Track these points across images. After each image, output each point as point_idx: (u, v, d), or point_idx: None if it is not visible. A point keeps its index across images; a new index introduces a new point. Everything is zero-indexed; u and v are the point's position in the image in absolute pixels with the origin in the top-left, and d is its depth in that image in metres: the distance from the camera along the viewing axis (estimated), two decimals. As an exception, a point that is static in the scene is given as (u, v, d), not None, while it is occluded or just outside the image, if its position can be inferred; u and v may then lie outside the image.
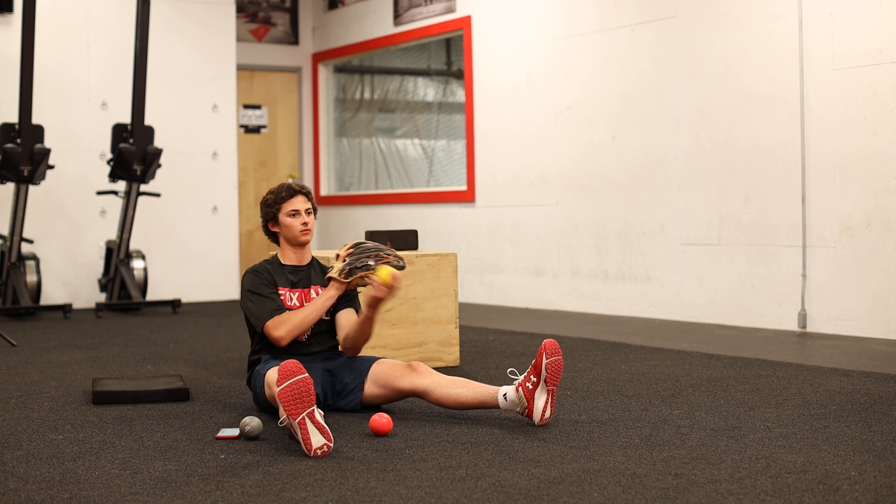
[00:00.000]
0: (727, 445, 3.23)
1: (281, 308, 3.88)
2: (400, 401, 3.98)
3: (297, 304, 3.97)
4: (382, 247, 3.92)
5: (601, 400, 4.06)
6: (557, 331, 6.42)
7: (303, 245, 4.03)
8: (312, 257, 4.12)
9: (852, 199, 5.90)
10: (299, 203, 3.98)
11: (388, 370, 3.83)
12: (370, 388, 3.85)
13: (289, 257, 4.05)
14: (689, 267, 6.85)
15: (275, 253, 4.15)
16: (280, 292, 3.97)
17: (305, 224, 3.98)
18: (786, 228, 6.24)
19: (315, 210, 4.06)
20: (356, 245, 3.90)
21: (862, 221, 5.86)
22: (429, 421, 3.70)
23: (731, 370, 4.75)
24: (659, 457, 3.09)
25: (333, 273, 3.86)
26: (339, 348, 4.05)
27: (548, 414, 3.57)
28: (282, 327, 3.82)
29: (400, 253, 4.55)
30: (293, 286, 4.00)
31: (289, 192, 3.99)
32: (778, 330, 6.23)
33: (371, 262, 3.82)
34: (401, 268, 3.86)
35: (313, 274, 4.06)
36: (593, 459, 3.08)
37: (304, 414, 3.18)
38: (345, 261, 3.86)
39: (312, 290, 4.01)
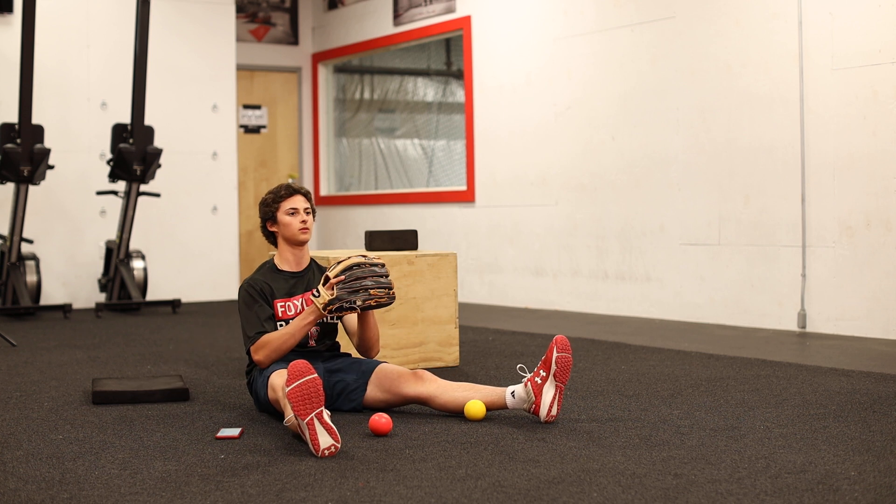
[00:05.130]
0: (727, 445, 3.23)
1: (264, 328, 3.79)
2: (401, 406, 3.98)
3: (302, 311, 3.89)
4: (377, 270, 3.70)
5: (601, 400, 4.06)
6: (557, 331, 6.42)
7: (301, 244, 3.97)
8: (311, 259, 4.08)
9: (852, 199, 5.90)
10: (298, 202, 3.95)
11: (393, 375, 3.79)
12: (373, 391, 3.82)
13: (286, 260, 3.99)
14: (688, 267, 6.85)
15: (272, 255, 4.11)
16: (279, 305, 3.90)
17: (304, 222, 3.94)
18: (786, 228, 6.24)
19: (314, 212, 4.03)
20: (348, 269, 3.68)
21: (862, 221, 5.86)
22: (429, 421, 3.70)
23: (731, 370, 4.75)
24: (659, 457, 3.09)
25: (318, 301, 3.68)
26: (355, 354, 4.01)
27: (554, 411, 3.57)
28: (261, 351, 3.75)
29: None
30: (290, 294, 3.93)
31: (288, 190, 3.97)
32: (778, 330, 6.23)
33: (358, 303, 3.65)
34: (387, 303, 3.71)
35: (312, 278, 4.00)
36: (593, 459, 3.08)
37: (313, 414, 3.18)
38: (333, 289, 3.67)
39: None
